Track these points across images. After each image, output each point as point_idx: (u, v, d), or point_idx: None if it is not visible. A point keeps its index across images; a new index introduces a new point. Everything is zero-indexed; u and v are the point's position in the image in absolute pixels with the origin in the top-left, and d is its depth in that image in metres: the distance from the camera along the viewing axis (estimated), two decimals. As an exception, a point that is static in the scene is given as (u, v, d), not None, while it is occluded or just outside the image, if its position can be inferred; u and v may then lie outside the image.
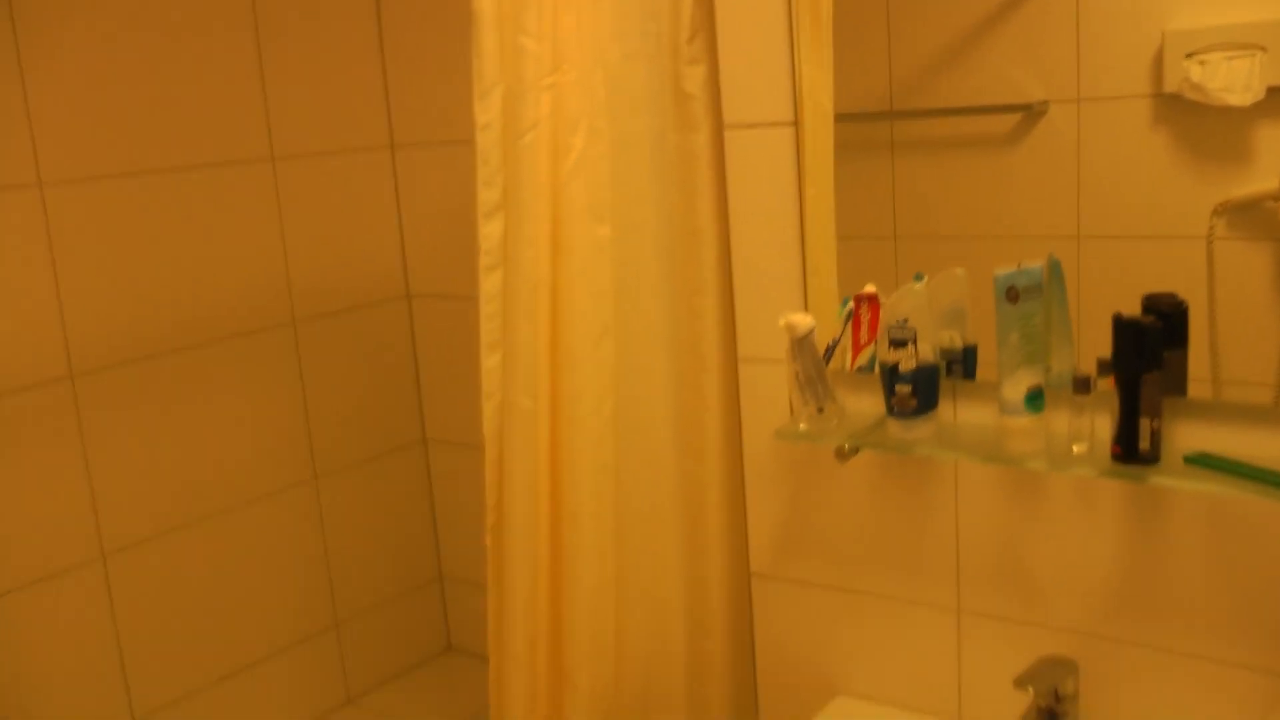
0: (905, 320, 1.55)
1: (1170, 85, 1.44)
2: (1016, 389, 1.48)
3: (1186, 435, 1.45)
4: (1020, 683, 1.52)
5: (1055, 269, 1.49)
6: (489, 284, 1.77)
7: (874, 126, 1.71)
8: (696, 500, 1.91)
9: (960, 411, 1.62)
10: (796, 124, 1.69)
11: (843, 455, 1.65)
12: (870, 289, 1.64)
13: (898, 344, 1.55)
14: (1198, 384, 1.47)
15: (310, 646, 2.69)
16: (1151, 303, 1.46)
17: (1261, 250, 1.41)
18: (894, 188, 1.69)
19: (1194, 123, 1.44)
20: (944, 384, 1.61)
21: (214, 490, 2.49)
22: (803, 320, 1.60)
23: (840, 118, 1.70)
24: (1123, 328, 1.41)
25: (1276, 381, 1.43)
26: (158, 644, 2.39)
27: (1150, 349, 1.40)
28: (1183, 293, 1.46)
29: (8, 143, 2.11)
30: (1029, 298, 1.47)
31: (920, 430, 1.57)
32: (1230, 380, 1.46)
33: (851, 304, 1.67)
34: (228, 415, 2.50)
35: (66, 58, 2.18)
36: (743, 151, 1.74)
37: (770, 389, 1.77)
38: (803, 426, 1.65)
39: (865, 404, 1.66)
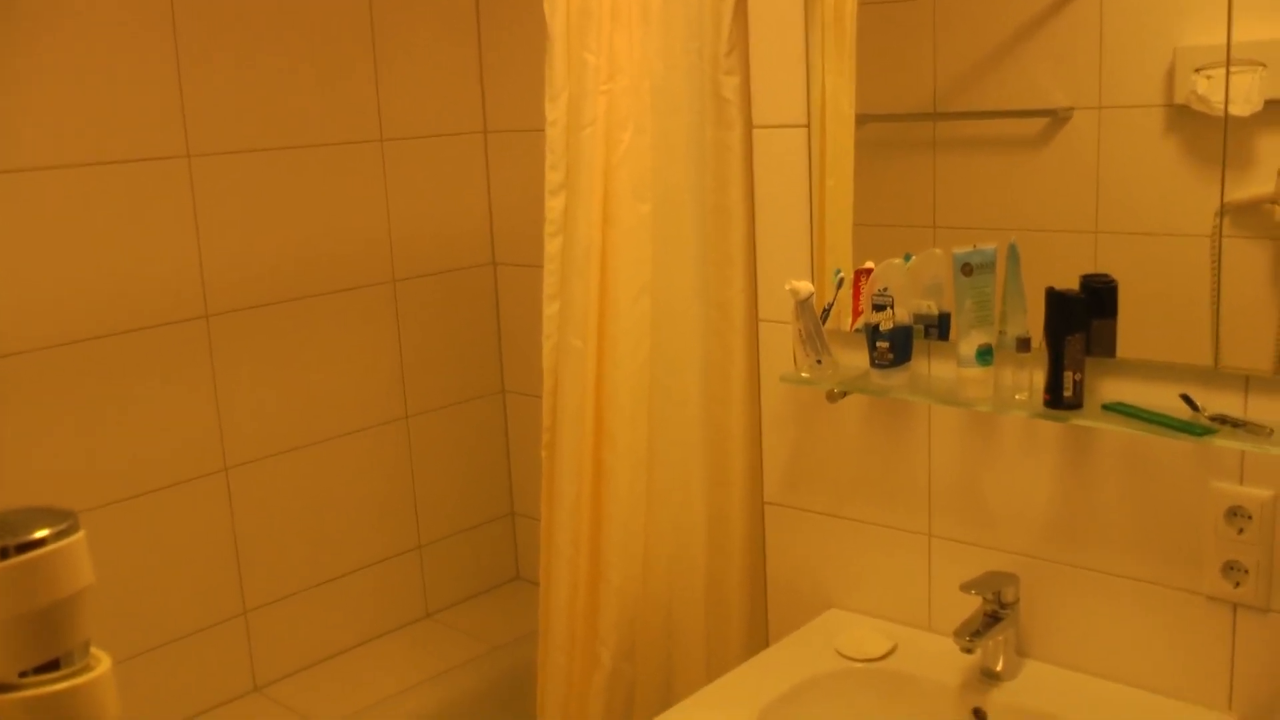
0: (885, 289, 1.72)
1: (1180, 97, 1.51)
2: (970, 346, 1.64)
3: (1112, 389, 1.59)
4: (966, 588, 1.68)
5: (1012, 251, 1.62)
6: (552, 247, 1.95)
7: (919, 126, 1.80)
8: (721, 438, 2.04)
9: (933, 366, 1.77)
10: (809, 126, 1.84)
11: (833, 398, 1.83)
12: (869, 264, 1.75)
13: (878, 308, 1.72)
14: (1202, 370, 1.53)
15: (395, 564, 2.82)
16: (1087, 280, 1.59)
17: (1261, 247, 1.48)
18: (935, 181, 1.78)
19: (1201, 131, 1.50)
20: (919, 343, 1.75)
21: (320, 421, 2.63)
22: (803, 286, 1.76)
23: (888, 118, 1.82)
24: (1052, 298, 1.57)
25: (1273, 367, 1.48)
26: (267, 548, 2.55)
27: (1075, 316, 1.55)
28: (1189, 285, 1.53)
29: (166, 123, 2.29)
30: (981, 272, 1.63)
31: (895, 379, 1.74)
32: (1231, 366, 1.51)
33: (842, 275, 1.80)
34: (334, 357, 2.64)
35: (216, 56, 2.36)
36: (767, 147, 1.91)
37: (785, 345, 1.90)
38: (804, 374, 1.81)
39: (858, 359, 1.80)
